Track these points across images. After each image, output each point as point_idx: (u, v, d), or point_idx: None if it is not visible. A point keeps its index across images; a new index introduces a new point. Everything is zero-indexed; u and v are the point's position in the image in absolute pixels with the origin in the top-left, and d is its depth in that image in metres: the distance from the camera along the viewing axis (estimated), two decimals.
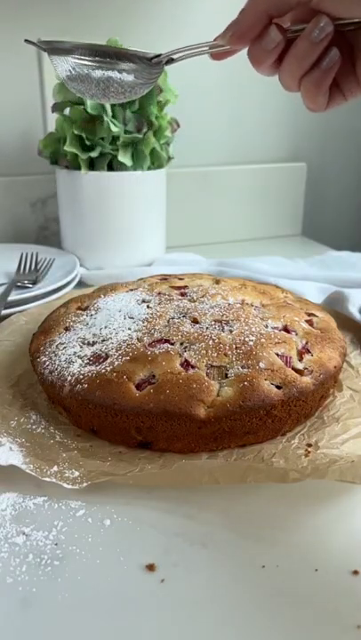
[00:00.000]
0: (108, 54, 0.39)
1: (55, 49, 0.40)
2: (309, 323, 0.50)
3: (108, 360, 0.43)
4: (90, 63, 0.40)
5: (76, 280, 0.74)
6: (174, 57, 0.40)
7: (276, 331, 0.46)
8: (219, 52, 0.38)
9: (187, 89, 0.88)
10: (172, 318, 0.48)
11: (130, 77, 0.40)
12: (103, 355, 0.44)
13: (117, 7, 0.86)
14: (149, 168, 0.78)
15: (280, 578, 0.32)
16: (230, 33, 0.36)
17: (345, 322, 0.61)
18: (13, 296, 0.64)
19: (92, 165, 0.76)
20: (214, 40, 0.38)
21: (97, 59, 0.40)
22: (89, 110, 0.71)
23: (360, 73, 0.37)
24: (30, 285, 0.69)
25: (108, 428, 0.41)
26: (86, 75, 0.40)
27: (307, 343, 0.46)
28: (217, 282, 0.58)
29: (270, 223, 1.09)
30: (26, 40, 0.41)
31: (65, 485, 0.37)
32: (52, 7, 0.83)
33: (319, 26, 0.33)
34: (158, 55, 0.40)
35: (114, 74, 0.40)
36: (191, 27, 0.91)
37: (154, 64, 0.40)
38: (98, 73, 0.40)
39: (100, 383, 0.41)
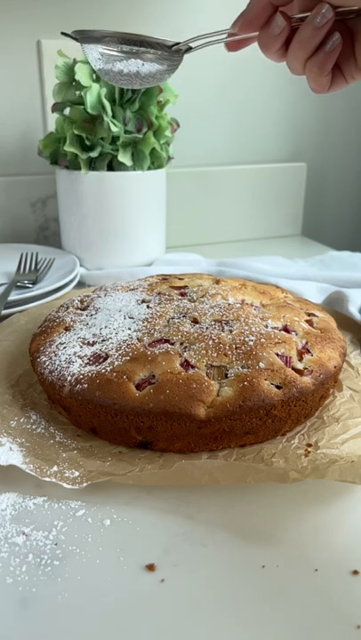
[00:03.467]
0: (134, 42, 0.42)
1: (87, 37, 0.43)
2: (309, 323, 0.50)
3: (108, 360, 0.43)
4: (117, 52, 0.43)
5: (76, 280, 0.74)
6: (192, 45, 0.42)
7: (276, 331, 0.46)
8: (233, 42, 0.41)
9: (187, 89, 0.88)
10: (172, 318, 0.48)
11: (154, 64, 0.43)
12: (103, 355, 0.44)
13: (116, 8, 0.86)
14: (149, 168, 0.78)
15: (280, 578, 0.32)
16: (240, 22, 0.39)
17: (345, 322, 0.61)
18: (13, 296, 0.64)
19: (92, 165, 0.76)
20: (227, 29, 0.41)
21: (124, 47, 0.43)
22: (89, 110, 0.71)
23: (360, 57, 0.39)
24: (30, 285, 0.69)
25: (108, 427, 0.41)
26: (114, 62, 0.43)
27: (307, 343, 0.46)
28: (217, 282, 0.58)
29: (270, 223, 1.09)
30: (62, 33, 0.44)
31: (65, 485, 0.37)
32: (52, 7, 0.83)
33: (321, 12, 0.37)
34: (177, 43, 0.42)
35: (139, 61, 0.43)
36: (190, 30, 0.91)
37: (174, 52, 0.43)
38: (125, 60, 0.43)
39: (100, 383, 0.41)
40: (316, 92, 0.41)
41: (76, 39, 0.44)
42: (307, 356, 0.44)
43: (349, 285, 0.74)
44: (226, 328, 0.46)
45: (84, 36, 0.43)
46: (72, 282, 0.72)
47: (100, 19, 0.86)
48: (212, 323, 0.47)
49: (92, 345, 0.46)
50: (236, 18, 0.40)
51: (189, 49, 0.43)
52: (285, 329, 0.47)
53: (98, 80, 0.73)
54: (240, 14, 0.39)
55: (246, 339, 0.44)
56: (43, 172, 0.90)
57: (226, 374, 0.42)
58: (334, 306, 0.64)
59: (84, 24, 0.85)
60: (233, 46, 0.42)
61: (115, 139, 0.74)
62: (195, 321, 0.48)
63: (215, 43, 0.42)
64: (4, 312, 0.62)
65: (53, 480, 0.37)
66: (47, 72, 0.85)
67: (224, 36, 0.41)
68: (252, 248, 1.03)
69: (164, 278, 0.60)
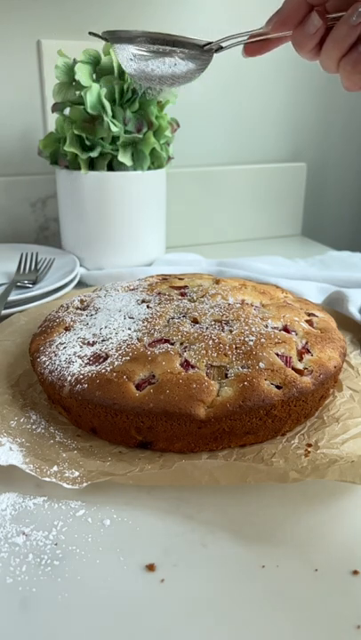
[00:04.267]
0: (165, 42, 0.42)
1: (118, 38, 0.43)
2: (309, 323, 0.50)
3: (108, 360, 0.43)
4: (148, 52, 0.43)
5: (76, 280, 0.74)
6: (223, 45, 0.43)
7: (276, 331, 0.46)
8: (252, 47, 0.42)
9: (187, 89, 0.88)
10: (172, 318, 0.48)
11: (184, 64, 0.44)
12: (103, 355, 0.44)
13: (116, 8, 0.86)
14: (149, 168, 0.78)
15: (280, 578, 0.32)
16: (274, 20, 0.39)
17: (345, 322, 0.61)
18: (13, 296, 0.64)
19: (92, 165, 0.76)
20: (259, 28, 0.41)
21: (155, 47, 0.43)
22: (89, 110, 0.71)
23: None
24: (30, 285, 0.69)
25: (108, 427, 0.41)
26: (145, 62, 0.44)
27: (307, 343, 0.46)
28: (217, 282, 0.58)
29: (270, 223, 1.09)
30: (90, 32, 0.44)
31: (65, 485, 0.37)
32: (52, 7, 0.83)
33: (357, 11, 0.37)
34: (209, 43, 0.43)
35: (170, 60, 0.43)
36: (191, 30, 0.91)
37: (205, 51, 0.43)
38: (156, 60, 0.43)
39: (100, 383, 0.41)
40: (349, 90, 0.41)
41: (106, 39, 0.44)
42: (307, 356, 0.44)
43: (349, 285, 0.74)
44: (226, 328, 0.46)
45: (114, 37, 0.43)
46: (72, 282, 0.72)
47: (100, 19, 0.86)
48: (212, 323, 0.47)
49: (92, 345, 0.46)
50: (271, 17, 0.40)
51: (220, 48, 0.43)
52: (285, 329, 0.47)
53: (98, 80, 0.73)
54: (274, 13, 0.39)
55: (246, 339, 0.44)
56: (43, 172, 0.90)
57: (226, 374, 0.42)
58: (334, 306, 0.64)
59: (84, 24, 0.85)
60: (252, 52, 0.42)
61: (115, 139, 0.74)
62: (195, 321, 0.48)
63: (246, 42, 0.42)
64: (4, 312, 0.62)
65: (53, 480, 0.37)
66: (47, 72, 0.85)
67: (250, 36, 0.41)
68: (252, 248, 1.03)
69: (164, 278, 0.60)
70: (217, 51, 0.43)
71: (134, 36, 0.42)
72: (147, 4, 0.88)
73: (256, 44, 0.42)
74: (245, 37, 0.42)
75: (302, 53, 0.40)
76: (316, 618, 0.29)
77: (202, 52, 0.43)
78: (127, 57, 0.44)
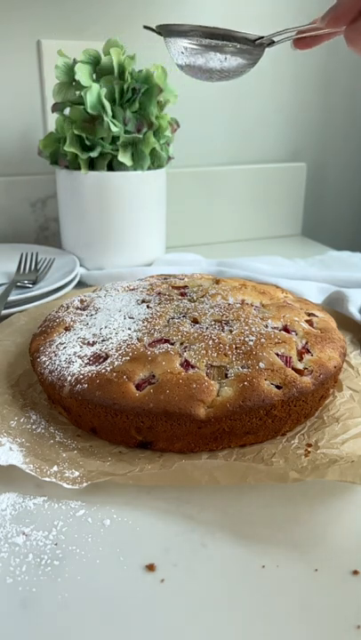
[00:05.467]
0: (218, 36, 0.43)
1: (170, 31, 0.44)
2: (309, 323, 0.50)
3: (108, 360, 0.43)
4: (200, 45, 0.43)
5: (76, 280, 0.74)
6: (275, 39, 0.43)
7: (276, 331, 0.46)
8: (303, 41, 0.42)
9: (187, 89, 0.88)
10: (172, 318, 0.48)
11: (235, 58, 0.44)
12: (103, 355, 0.44)
13: (116, 8, 0.86)
14: (149, 168, 0.78)
15: (280, 578, 0.32)
16: (329, 16, 0.40)
17: (345, 322, 0.61)
18: (13, 296, 0.64)
19: (92, 165, 0.76)
20: (312, 23, 0.41)
21: (207, 40, 0.43)
22: (89, 110, 0.71)
23: None
24: (30, 285, 0.69)
25: (108, 427, 0.41)
26: (197, 55, 0.44)
27: (307, 343, 0.46)
28: (217, 282, 0.58)
29: (270, 223, 1.09)
30: (145, 26, 0.45)
31: (65, 485, 0.37)
32: (52, 7, 0.83)
33: None
34: (261, 37, 0.43)
35: (221, 55, 0.43)
36: None
37: (257, 45, 0.43)
38: (207, 54, 0.44)
39: (100, 383, 0.41)
40: None
41: (159, 33, 0.44)
42: (307, 356, 0.44)
43: (349, 285, 0.74)
44: (226, 328, 0.46)
45: (167, 30, 0.44)
46: (72, 282, 0.72)
47: (100, 19, 0.86)
48: (212, 323, 0.47)
49: (92, 345, 0.46)
50: (325, 12, 0.40)
51: (272, 43, 0.43)
52: (285, 329, 0.47)
53: (98, 80, 0.73)
54: (329, 9, 0.40)
55: (246, 339, 0.44)
56: (43, 172, 0.90)
57: (226, 374, 0.42)
58: (334, 306, 0.64)
59: (84, 24, 0.85)
60: (303, 45, 0.42)
61: (115, 139, 0.74)
62: (195, 321, 0.48)
63: (297, 36, 0.42)
64: (4, 312, 0.62)
65: (53, 480, 0.37)
66: (47, 72, 0.85)
67: (304, 30, 0.41)
68: (252, 248, 1.03)
69: (165, 278, 0.60)
70: (268, 45, 0.43)
71: (187, 29, 0.43)
72: (148, 4, 0.88)
73: (308, 39, 0.42)
74: (296, 33, 0.42)
75: (353, 49, 0.41)
76: (316, 618, 0.29)
77: (253, 47, 0.43)
78: (179, 50, 0.44)
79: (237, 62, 0.44)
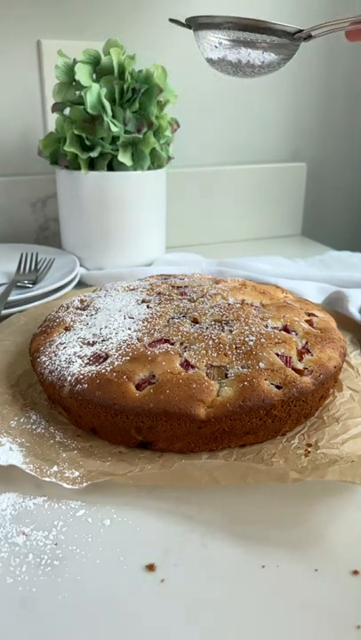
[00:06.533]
0: (253, 28, 0.40)
1: (200, 24, 0.41)
2: (309, 323, 0.50)
3: (108, 360, 0.43)
4: (232, 40, 0.41)
5: (76, 280, 0.74)
6: (313, 33, 0.41)
7: (276, 331, 0.46)
8: (355, 32, 0.40)
9: (187, 89, 0.88)
10: (172, 318, 0.48)
11: (270, 53, 0.42)
12: (103, 355, 0.44)
13: (116, 8, 0.86)
14: (149, 168, 0.78)
15: (280, 578, 0.32)
16: None
17: (345, 322, 0.61)
18: (13, 296, 0.64)
19: (92, 165, 0.76)
20: (356, 16, 0.40)
21: (241, 34, 0.40)
22: (89, 110, 0.71)
23: None
24: (30, 285, 0.69)
25: (108, 427, 0.41)
26: (230, 50, 0.41)
27: (307, 343, 0.46)
28: (217, 282, 0.58)
29: (270, 223, 1.09)
30: (171, 19, 0.43)
31: (65, 485, 0.37)
32: (52, 7, 0.83)
33: None
34: (301, 30, 0.41)
35: (254, 50, 0.41)
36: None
37: (293, 39, 0.41)
38: (240, 48, 0.41)
39: (100, 383, 0.41)
40: None
41: (188, 26, 0.42)
42: (307, 356, 0.44)
43: (349, 285, 0.74)
44: (226, 328, 0.46)
45: (197, 23, 0.41)
46: (72, 282, 0.72)
47: (100, 19, 0.86)
48: (212, 323, 0.47)
49: (92, 345, 0.46)
50: None
51: (309, 37, 0.41)
52: (285, 329, 0.47)
53: (98, 80, 0.73)
54: None
55: (246, 339, 0.44)
56: (43, 172, 0.90)
57: (226, 374, 0.42)
58: (334, 306, 0.64)
59: (84, 24, 0.85)
60: (355, 35, 0.41)
61: (115, 139, 0.74)
62: (195, 321, 0.48)
63: (338, 30, 0.41)
64: (4, 312, 0.62)
65: (53, 480, 0.37)
66: (47, 72, 0.85)
67: (347, 24, 0.40)
68: (252, 248, 1.03)
69: (165, 278, 0.60)
70: (305, 39, 0.41)
71: (220, 22, 0.40)
72: (148, 4, 0.88)
73: (354, 30, 0.41)
74: (338, 25, 0.40)
75: None
76: (317, 618, 0.29)
77: (291, 41, 0.41)
78: (210, 45, 0.42)
79: (272, 57, 0.42)
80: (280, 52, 0.42)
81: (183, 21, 0.41)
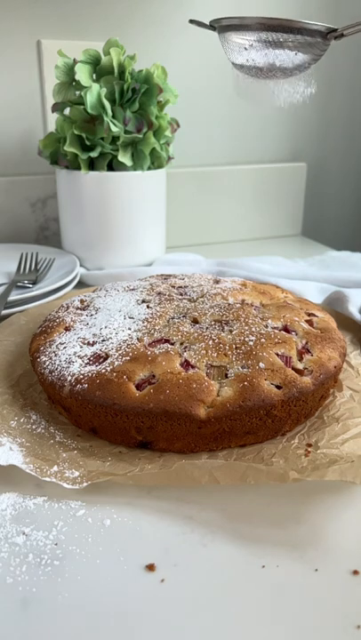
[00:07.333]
0: (283, 28, 0.38)
1: (226, 27, 0.39)
2: (309, 323, 0.50)
3: (108, 360, 0.43)
4: (260, 41, 0.39)
5: (76, 280, 0.74)
6: (345, 32, 0.40)
7: (276, 331, 0.46)
8: None
9: (187, 89, 0.88)
10: (172, 318, 0.48)
11: (298, 54, 0.40)
12: (103, 355, 0.44)
13: (116, 8, 0.86)
14: (149, 168, 0.78)
15: (280, 578, 0.32)
16: None
17: (345, 322, 0.61)
18: (13, 296, 0.64)
19: (92, 165, 0.76)
20: None
21: (269, 34, 0.39)
22: (89, 110, 0.71)
23: None
24: (30, 285, 0.69)
25: (108, 427, 0.41)
26: (259, 52, 0.40)
27: (307, 343, 0.46)
28: (217, 282, 0.58)
29: (270, 223, 1.09)
30: (191, 20, 0.40)
31: (65, 485, 0.37)
32: (52, 7, 0.83)
33: None
34: (335, 29, 0.39)
35: (283, 51, 0.39)
36: (189, 28, 0.91)
37: (324, 38, 0.40)
38: (269, 50, 0.39)
39: (100, 383, 0.41)
40: None
41: (212, 28, 0.40)
42: (307, 356, 0.44)
43: (349, 285, 0.74)
44: (226, 328, 0.46)
45: (222, 25, 0.39)
46: (72, 282, 0.72)
47: (100, 19, 0.86)
48: (212, 323, 0.47)
49: (92, 345, 0.46)
50: None
51: (341, 35, 0.40)
52: (285, 329, 0.47)
53: (98, 80, 0.73)
54: None
55: (246, 339, 0.44)
56: (43, 172, 0.90)
57: (226, 374, 0.42)
58: (334, 306, 0.64)
59: (84, 24, 0.85)
60: None
61: (115, 139, 0.74)
62: (195, 321, 0.48)
63: None
64: (4, 312, 0.62)
65: (53, 480, 0.37)
66: (47, 72, 0.85)
67: None
68: (252, 248, 1.03)
69: (165, 278, 0.60)
70: (336, 38, 0.40)
71: (247, 23, 0.38)
72: (149, 4, 0.88)
73: None
74: None
75: None
76: (317, 618, 0.29)
77: (323, 40, 0.39)
78: (237, 47, 0.40)
79: (302, 58, 0.40)
80: (311, 52, 0.40)
81: (208, 23, 0.40)
